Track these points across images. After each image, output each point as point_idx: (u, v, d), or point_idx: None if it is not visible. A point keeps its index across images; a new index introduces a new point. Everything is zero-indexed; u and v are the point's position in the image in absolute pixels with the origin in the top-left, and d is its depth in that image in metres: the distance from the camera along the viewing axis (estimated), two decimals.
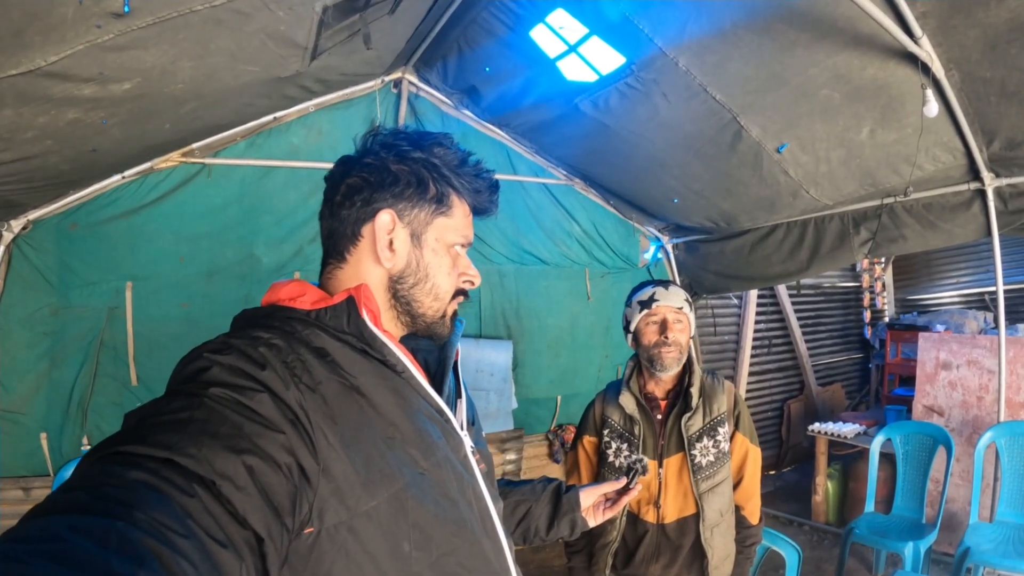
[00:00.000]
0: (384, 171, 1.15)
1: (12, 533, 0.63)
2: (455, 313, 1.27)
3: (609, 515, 1.78)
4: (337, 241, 1.18)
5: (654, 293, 2.49)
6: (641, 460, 1.84)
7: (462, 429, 1.22)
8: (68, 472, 3.61)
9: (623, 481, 1.79)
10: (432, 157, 1.18)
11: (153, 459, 0.75)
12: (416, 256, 1.17)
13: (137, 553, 0.63)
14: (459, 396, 1.33)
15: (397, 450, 1.03)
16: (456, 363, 1.34)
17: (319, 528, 0.92)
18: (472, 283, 1.26)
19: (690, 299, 2.53)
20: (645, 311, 2.48)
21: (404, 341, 1.21)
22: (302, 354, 0.99)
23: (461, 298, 1.26)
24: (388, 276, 1.17)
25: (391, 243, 1.15)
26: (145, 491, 0.71)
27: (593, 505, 1.78)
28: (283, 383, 0.93)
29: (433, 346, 1.33)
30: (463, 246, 1.24)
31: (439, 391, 1.20)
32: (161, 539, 0.66)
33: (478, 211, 1.28)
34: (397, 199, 1.15)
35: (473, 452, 1.23)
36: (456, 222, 1.21)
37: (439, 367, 1.31)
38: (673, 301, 2.46)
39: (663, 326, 2.46)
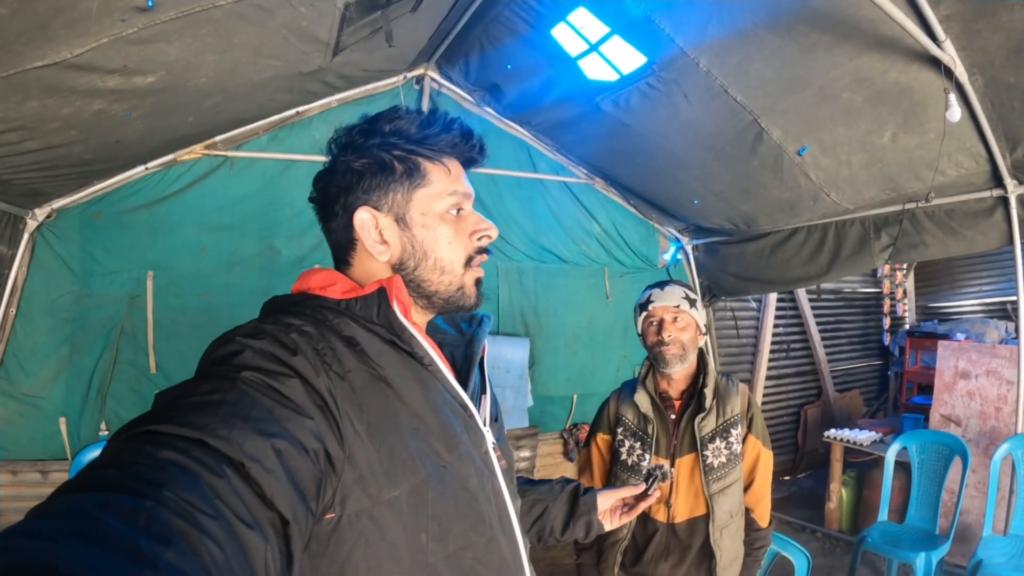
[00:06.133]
0: (348, 172, 1.15)
1: (40, 509, 0.63)
2: (479, 280, 1.23)
3: (626, 520, 1.77)
4: (340, 251, 1.20)
5: (650, 295, 2.54)
6: (661, 467, 1.84)
7: (485, 425, 1.22)
8: (86, 457, 3.70)
9: (642, 486, 1.78)
10: (388, 137, 1.16)
11: (184, 439, 0.76)
12: (408, 238, 1.16)
13: (165, 532, 0.63)
14: (484, 392, 1.32)
15: (421, 442, 1.03)
16: (482, 359, 1.33)
17: (340, 514, 0.93)
18: (488, 236, 1.23)
19: (691, 295, 2.54)
20: (643, 313, 2.55)
21: (431, 335, 1.21)
22: (332, 342, 1.00)
23: (482, 257, 1.23)
24: (390, 267, 1.16)
25: (381, 235, 1.15)
26: (175, 470, 0.72)
27: (610, 509, 1.77)
28: (313, 370, 0.94)
29: (460, 340, 1.32)
30: (459, 208, 1.20)
31: (464, 386, 1.20)
32: (189, 519, 0.66)
33: (466, 163, 1.25)
34: (368, 193, 1.15)
35: (494, 448, 1.23)
36: (437, 187, 1.17)
37: (465, 362, 1.30)
38: (668, 300, 2.49)
39: (660, 326, 2.49)
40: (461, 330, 1.38)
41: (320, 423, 0.90)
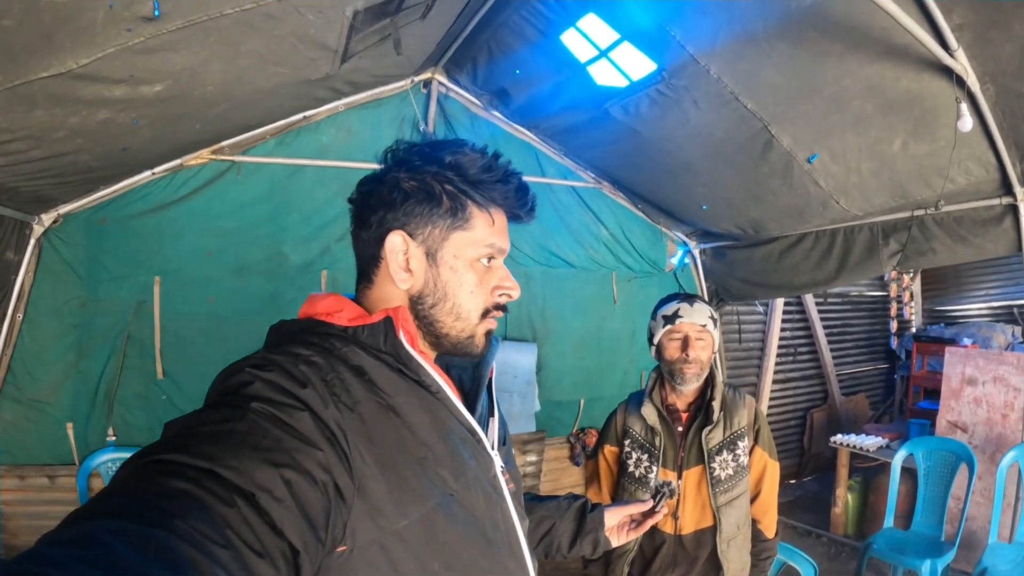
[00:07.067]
0: (395, 190, 1.12)
1: (52, 536, 0.64)
2: (490, 332, 1.21)
3: (633, 536, 1.76)
4: (364, 264, 1.18)
5: (678, 309, 2.47)
6: (669, 483, 1.83)
7: (493, 449, 1.22)
8: (93, 462, 3.71)
9: (649, 503, 1.78)
10: (446, 169, 1.13)
11: (195, 469, 0.76)
12: (433, 275, 1.13)
13: (176, 561, 0.64)
14: (491, 415, 1.31)
15: (429, 470, 1.03)
16: (491, 381, 1.32)
17: (352, 546, 0.93)
18: (509, 296, 1.21)
19: (715, 315, 2.51)
20: (668, 326, 2.47)
21: (438, 357, 1.20)
22: (341, 372, 1.00)
23: (498, 313, 1.20)
24: (408, 297, 1.15)
25: (408, 264, 1.13)
26: (186, 500, 0.72)
27: (617, 525, 1.76)
28: (323, 402, 0.93)
29: (468, 363, 1.30)
30: (491, 258, 1.18)
31: (472, 409, 1.19)
32: (200, 548, 0.67)
33: (512, 218, 1.22)
34: (408, 217, 1.12)
35: (503, 472, 1.22)
36: (477, 234, 1.14)
37: (473, 384, 1.29)
38: (697, 318, 2.45)
39: (685, 343, 2.45)
40: None
41: (329, 455, 0.89)
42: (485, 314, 1.18)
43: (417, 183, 1.12)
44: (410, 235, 1.12)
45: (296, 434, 0.87)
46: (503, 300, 1.20)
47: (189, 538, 0.67)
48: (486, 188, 1.15)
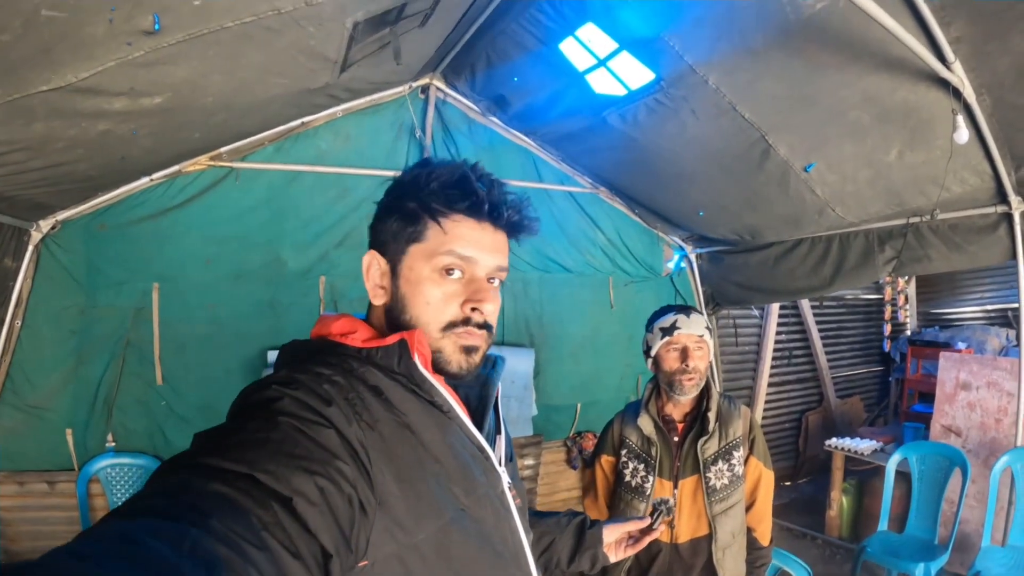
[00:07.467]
0: (375, 214, 1.22)
1: (89, 533, 0.65)
2: (467, 348, 1.16)
3: (631, 552, 1.79)
4: None
5: (676, 321, 2.49)
6: (667, 501, 1.85)
7: (500, 465, 1.24)
8: (93, 467, 3.73)
9: (647, 520, 1.80)
10: (406, 186, 1.16)
11: (232, 473, 0.79)
12: (395, 288, 1.17)
13: (209, 560, 0.65)
14: (498, 432, 1.34)
15: (443, 486, 1.06)
16: (497, 400, 1.35)
17: (373, 561, 0.95)
18: (481, 311, 1.16)
19: (710, 325, 2.54)
20: (666, 338, 2.49)
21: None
22: (361, 392, 1.03)
23: (471, 329, 1.16)
24: (384, 310, 1.19)
25: (382, 280, 1.19)
26: (222, 502, 0.75)
27: (616, 541, 1.78)
28: (346, 420, 0.96)
29: (475, 382, 1.32)
30: (459, 269, 1.15)
31: (480, 427, 1.21)
32: (234, 548, 0.69)
33: (510, 232, 1.23)
34: (378, 236, 1.20)
35: (510, 488, 1.25)
36: (430, 246, 1.13)
37: (479, 403, 1.31)
38: (694, 329, 2.47)
39: (684, 354, 2.47)
40: None
41: (354, 470, 0.92)
42: (449, 327, 1.15)
43: (384, 203, 1.20)
44: (382, 253, 1.19)
45: (324, 448, 0.90)
46: (476, 317, 1.16)
47: (224, 538, 0.69)
48: (442, 198, 1.14)
